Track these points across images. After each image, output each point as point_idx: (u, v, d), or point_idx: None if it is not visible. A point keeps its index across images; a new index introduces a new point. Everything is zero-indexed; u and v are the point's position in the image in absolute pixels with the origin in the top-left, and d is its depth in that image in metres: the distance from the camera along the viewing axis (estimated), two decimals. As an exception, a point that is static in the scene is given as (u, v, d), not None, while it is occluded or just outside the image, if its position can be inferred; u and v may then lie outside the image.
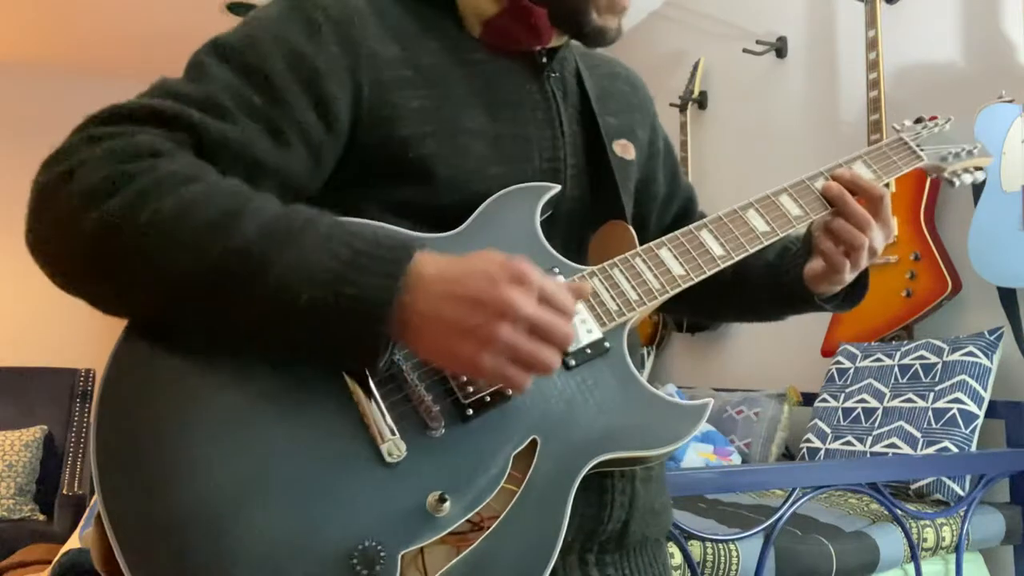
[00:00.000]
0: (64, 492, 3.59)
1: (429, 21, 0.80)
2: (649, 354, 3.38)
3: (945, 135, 1.03)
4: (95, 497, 0.65)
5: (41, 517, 3.48)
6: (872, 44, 2.30)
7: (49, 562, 2.28)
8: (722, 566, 1.45)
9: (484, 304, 0.60)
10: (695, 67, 3.26)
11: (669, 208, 1.03)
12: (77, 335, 3.39)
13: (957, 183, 1.04)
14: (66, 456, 3.71)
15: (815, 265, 0.88)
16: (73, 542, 1.88)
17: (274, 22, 0.72)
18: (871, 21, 2.31)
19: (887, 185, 2.25)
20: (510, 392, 0.67)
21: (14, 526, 3.32)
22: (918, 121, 1.05)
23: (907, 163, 0.96)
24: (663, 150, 1.00)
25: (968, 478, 1.79)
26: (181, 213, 0.60)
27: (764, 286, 0.95)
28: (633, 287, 0.77)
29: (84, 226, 0.59)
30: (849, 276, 0.88)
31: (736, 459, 2.30)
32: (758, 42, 2.91)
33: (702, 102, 3.30)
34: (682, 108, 3.28)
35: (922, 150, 0.98)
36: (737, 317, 1.09)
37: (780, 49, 2.89)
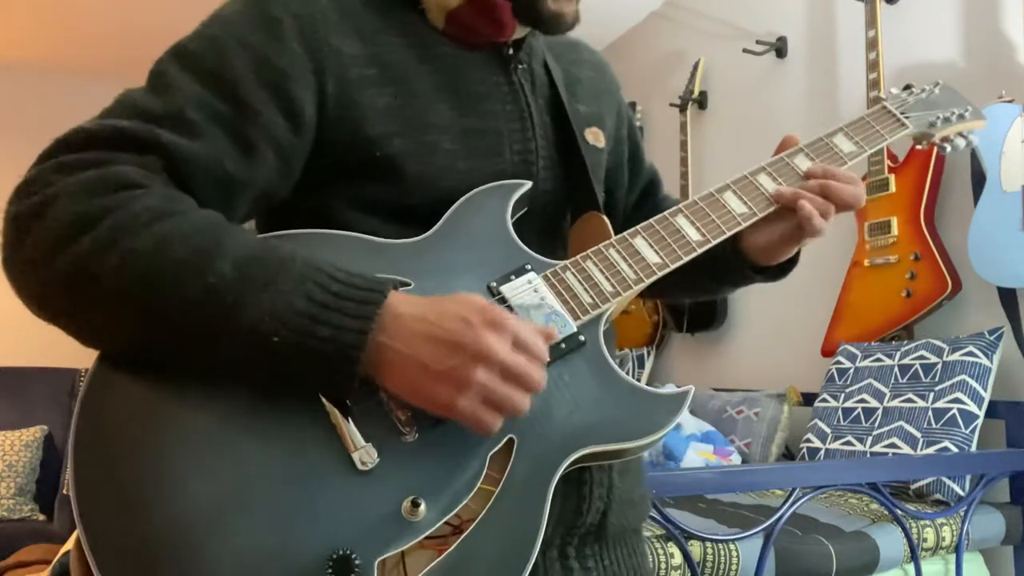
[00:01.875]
0: (64, 492, 3.59)
1: (392, 15, 0.79)
2: (649, 354, 3.38)
3: (933, 100, 0.99)
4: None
5: (41, 517, 3.48)
6: (872, 44, 2.30)
7: (49, 562, 2.28)
8: (722, 566, 1.45)
9: (461, 347, 0.61)
10: (695, 67, 3.26)
11: (633, 190, 1.01)
12: (77, 335, 3.38)
13: (948, 148, 1.00)
14: (66, 456, 3.71)
15: (774, 231, 0.85)
16: (72, 543, 1.88)
17: (235, 22, 0.71)
18: (871, 21, 2.31)
19: (886, 182, 2.24)
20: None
21: (14, 526, 3.32)
22: (906, 88, 1.01)
23: (891, 132, 0.93)
24: (628, 136, 0.99)
25: (968, 478, 1.79)
26: (155, 252, 0.59)
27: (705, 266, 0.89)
28: (607, 278, 0.75)
29: (57, 265, 0.59)
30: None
31: (736, 459, 2.30)
32: (758, 42, 2.91)
33: (702, 102, 3.29)
34: (682, 108, 3.27)
35: (907, 117, 0.95)
36: (677, 293, 1.03)
37: (780, 49, 2.89)
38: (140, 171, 0.63)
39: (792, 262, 0.92)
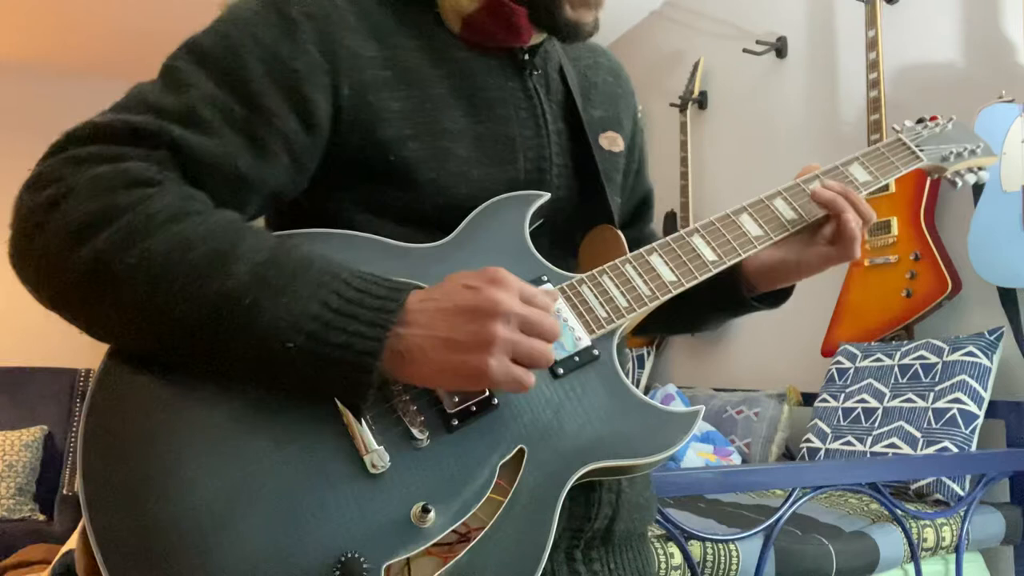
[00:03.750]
0: (64, 492, 3.59)
1: (408, 18, 0.78)
2: (649, 354, 3.38)
3: (947, 135, 1.01)
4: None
5: (41, 517, 3.48)
6: (872, 44, 2.30)
7: (49, 562, 2.28)
8: (722, 566, 1.45)
9: (475, 310, 0.61)
10: (695, 67, 3.26)
11: (627, 204, 1.00)
12: (77, 335, 3.38)
13: (960, 183, 1.02)
14: (66, 456, 3.71)
15: (789, 256, 0.88)
16: (73, 542, 1.88)
17: (250, 21, 0.70)
18: (871, 21, 2.31)
19: (886, 186, 2.25)
20: (496, 402, 0.67)
21: (14, 526, 3.32)
22: (919, 121, 1.03)
23: (906, 164, 0.95)
24: (637, 147, 0.99)
25: (968, 478, 1.79)
26: (172, 253, 0.59)
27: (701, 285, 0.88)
28: (623, 293, 0.75)
29: (71, 262, 0.59)
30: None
31: (736, 459, 2.30)
32: (758, 42, 2.91)
33: (702, 102, 3.30)
34: (682, 108, 3.28)
35: (921, 150, 0.96)
36: (668, 326, 1.02)
37: (780, 49, 2.89)
38: (153, 167, 0.63)
39: (788, 292, 0.94)
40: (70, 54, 4.03)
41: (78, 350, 3.83)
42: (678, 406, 0.81)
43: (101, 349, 0.65)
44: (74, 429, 3.79)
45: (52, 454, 3.66)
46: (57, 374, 3.83)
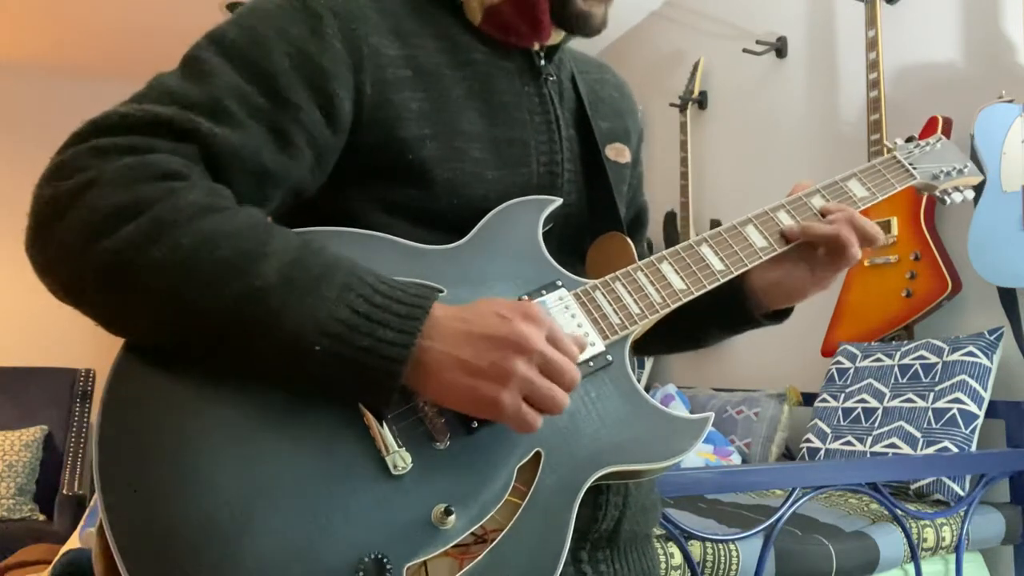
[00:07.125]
0: (64, 492, 3.59)
1: (429, 18, 0.78)
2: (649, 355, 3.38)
3: (937, 153, 1.05)
4: (95, 496, 0.65)
5: (41, 517, 3.48)
6: (872, 44, 2.30)
7: (49, 562, 2.28)
8: (722, 566, 1.45)
9: (500, 340, 0.61)
10: (695, 67, 3.26)
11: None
12: (77, 335, 3.39)
13: (948, 201, 1.06)
14: (66, 456, 3.71)
15: (795, 274, 0.87)
16: (73, 542, 1.88)
17: (275, 13, 0.70)
18: (871, 21, 2.31)
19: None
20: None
21: (14, 526, 3.32)
22: (909, 140, 1.06)
23: (901, 181, 0.98)
24: (636, 162, 1.00)
25: (968, 478, 1.79)
26: (198, 249, 0.59)
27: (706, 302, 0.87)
28: (635, 301, 0.76)
29: (95, 254, 0.58)
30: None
31: (736, 459, 2.30)
32: (758, 42, 2.91)
33: (702, 102, 3.30)
34: (682, 108, 3.28)
35: (915, 168, 1.00)
36: (670, 344, 1.02)
37: (780, 49, 2.89)
38: (180, 160, 0.62)
39: (791, 308, 0.94)
40: (67, 54, 4.02)
41: (78, 350, 3.83)
42: (678, 406, 0.82)
43: (101, 349, 0.64)
44: (74, 429, 3.79)
45: (52, 454, 3.65)
46: (57, 374, 3.83)
